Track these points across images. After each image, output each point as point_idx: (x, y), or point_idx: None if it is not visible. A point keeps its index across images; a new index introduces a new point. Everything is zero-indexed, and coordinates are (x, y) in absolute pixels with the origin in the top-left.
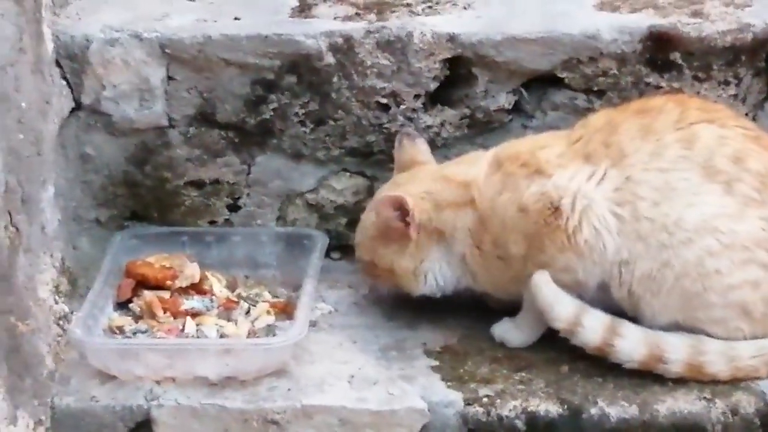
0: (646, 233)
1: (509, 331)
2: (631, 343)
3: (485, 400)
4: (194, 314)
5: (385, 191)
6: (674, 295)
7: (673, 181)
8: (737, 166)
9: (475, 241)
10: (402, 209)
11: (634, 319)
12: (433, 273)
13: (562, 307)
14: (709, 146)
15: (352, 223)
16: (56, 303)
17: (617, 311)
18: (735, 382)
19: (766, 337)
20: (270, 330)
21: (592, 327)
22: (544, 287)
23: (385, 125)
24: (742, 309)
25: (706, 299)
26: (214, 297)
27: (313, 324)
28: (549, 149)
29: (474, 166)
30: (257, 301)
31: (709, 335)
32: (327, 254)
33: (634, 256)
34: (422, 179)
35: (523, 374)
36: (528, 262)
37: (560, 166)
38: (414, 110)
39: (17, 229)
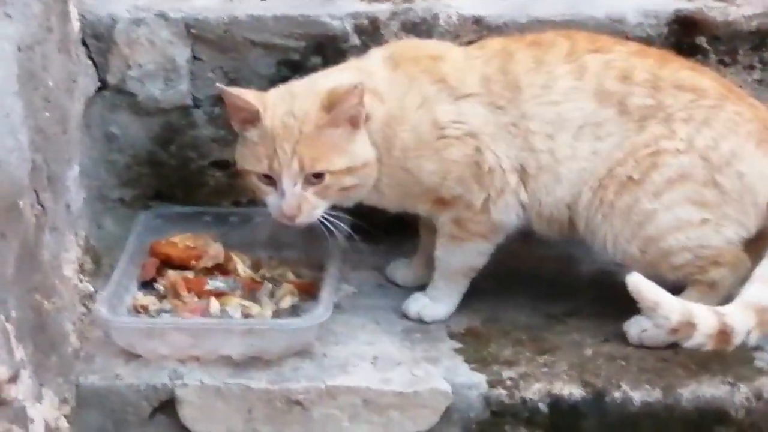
0: (551, 165)
1: (427, 307)
2: (738, 316)
3: (509, 382)
4: (218, 294)
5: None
6: (613, 223)
7: (565, 113)
8: (624, 83)
9: (385, 142)
10: (361, 96)
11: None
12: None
13: (669, 304)
14: (597, 73)
15: None
16: (81, 282)
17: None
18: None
19: (744, 212)
20: (294, 311)
21: (704, 316)
22: (644, 288)
23: None
24: (690, 202)
25: (642, 210)
26: (238, 277)
27: (336, 305)
28: (447, 63)
29: (371, 56)
30: (281, 282)
31: (684, 250)
32: (350, 235)
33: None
34: (318, 77)
35: (547, 357)
36: (440, 187)
37: (461, 81)
38: None
39: (43, 207)
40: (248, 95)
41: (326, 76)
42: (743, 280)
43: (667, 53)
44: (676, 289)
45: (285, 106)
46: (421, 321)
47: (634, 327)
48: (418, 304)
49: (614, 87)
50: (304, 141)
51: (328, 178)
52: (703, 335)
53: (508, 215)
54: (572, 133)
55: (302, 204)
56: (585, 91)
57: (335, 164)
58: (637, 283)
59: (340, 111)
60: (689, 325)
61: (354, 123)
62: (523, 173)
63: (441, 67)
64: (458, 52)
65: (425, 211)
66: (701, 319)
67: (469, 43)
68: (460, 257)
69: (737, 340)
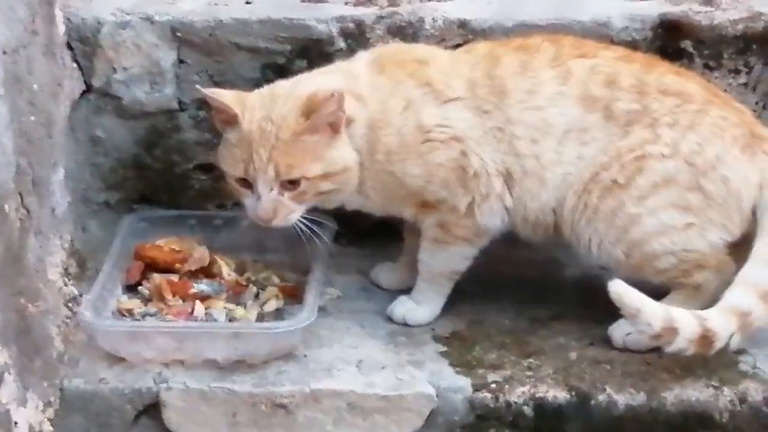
0: (535, 170)
1: (412, 310)
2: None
3: (493, 386)
4: (203, 298)
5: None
6: (597, 226)
7: (549, 118)
8: (610, 88)
9: (368, 145)
10: (340, 102)
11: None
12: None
13: (651, 310)
14: (582, 78)
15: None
16: (65, 285)
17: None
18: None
19: (729, 218)
20: (279, 314)
21: (686, 321)
22: (626, 294)
23: None
24: (674, 206)
25: (627, 214)
26: (223, 281)
27: (321, 309)
28: (433, 67)
29: (355, 60)
30: (266, 286)
31: (666, 254)
32: (335, 239)
33: (529, 194)
34: (301, 80)
35: (531, 360)
36: (424, 191)
37: (447, 85)
38: None
39: (28, 210)
40: (228, 97)
41: (310, 78)
42: (727, 283)
43: (653, 58)
44: (660, 292)
45: (264, 110)
46: (406, 324)
47: (618, 331)
48: (404, 308)
49: (600, 92)
50: (281, 147)
51: (303, 184)
52: (685, 340)
53: (492, 219)
54: (557, 138)
55: (278, 208)
56: (570, 96)
57: (311, 170)
58: (619, 290)
59: (319, 117)
60: (671, 331)
61: (333, 129)
62: (508, 177)
63: (426, 71)
64: (444, 56)
65: (410, 215)
66: (683, 324)
67: (456, 46)
68: (444, 260)
69: (719, 344)
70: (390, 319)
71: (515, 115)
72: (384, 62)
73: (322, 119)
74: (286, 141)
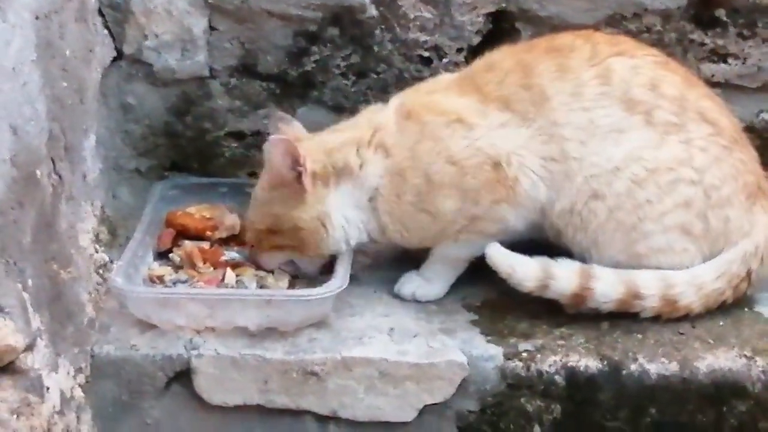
0: (575, 172)
1: (422, 287)
2: (607, 284)
3: (525, 354)
4: (234, 265)
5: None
6: (609, 231)
7: (597, 119)
8: (654, 93)
9: (392, 192)
10: (293, 156)
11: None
12: (340, 219)
13: (525, 268)
14: (624, 78)
15: None
16: (96, 252)
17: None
18: (709, 313)
19: (713, 254)
20: (310, 282)
21: (565, 276)
22: (501, 257)
23: (428, 78)
24: (681, 230)
25: (644, 229)
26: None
27: (353, 276)
28: (461, 98)
29: (380, 112)
30: None
31: (647, 267)
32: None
33: (564, 198)
34: (309, 139)
35: (563, 330)
36: (459, 216)
37: (480, 114)
38: (456, 64)
39: (60, 176)
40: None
41: (333, 131)
42: None
43: (690, 73)
44: None
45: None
46: (416, 301)
47: (407, 286)
48: (413, 285)
49: (644, 96)
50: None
51: (255, 233)
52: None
53: (524, 221)
54: (601, 139)
55: (256, 256)
56: (613, 97)
57: (257, 223)
58: (493, 255)
59: (272, 170)
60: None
61: (295, 183)
62: (550, 181)
63: (454, 110)
64: (466, 101)
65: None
66: (560, 279)
67: (488, 15)
68: (464, 250)
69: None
70: (398, 296)
71: (561, 117)
72: (409, 107)
73: (277, 172)
74: (257, 195)
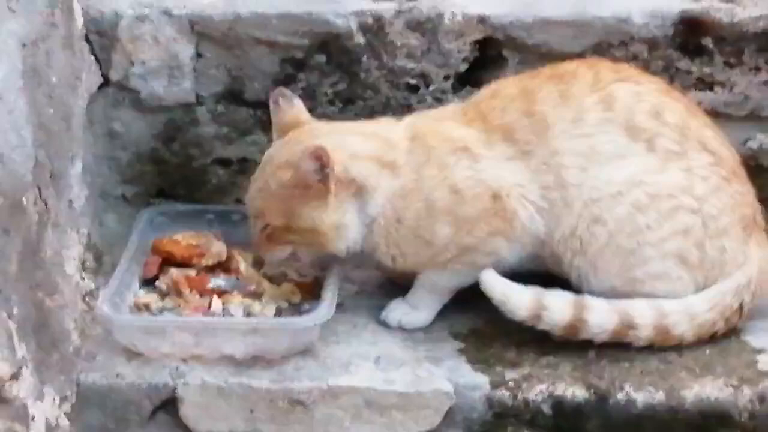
0: (574, 198)
1: (408, 314)
2: (601, 314)
3: (511, 383)
4: (220, 293)
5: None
6: (608, 255)
7: (598, 145)
8: (656, 120)
9: (393, 217)
10: (322, 161)
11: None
12: (350, 228)
13: (518, 297)
14: (627, 105)
15: None
16: (82, 279)
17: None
18: (700, 343)
19: (706, 284)
20: (296, 310)
21: (558, 306)
22: (496, 284)
23: (414, 106)
24: (678, 258)
25: (643, 254)
26: (240, 276)
27: (339, 304)
28: (467, 127)
29: (393, 127)
30: (283, 281)
31: (649, 296)
32: None
33: (564, 224)
34: (329, 133)
35: (550, 358)
36: (451, 245)
37: (485, 143)
38: (443, 91)
39: (46, 204)
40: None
41: (354, 132)
42: None
43: (692, 103)
44: None
45: (274, 150)
46: (401, 329)
47: (394, 313)
48: (399, 312)
49: (646, 123)
50: (266, 191)
51: (269, 229)
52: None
53: (517, 255)
54: (602, 166)
55: (259, 243)
56: (616, 123)
57: (275, 220)
58: (488, 281)
59: (299, 172)
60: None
61: (319, 187)
62: (548, 211)
63: (460, 138)
64: (472, 130)
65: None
66: (554, 310)
67: (475, 43)
68: (452, 279)
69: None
70: (384, 324)
71: (560, 145)
72: (418, 130)
73: (302, 175)
74: (271, 187)
